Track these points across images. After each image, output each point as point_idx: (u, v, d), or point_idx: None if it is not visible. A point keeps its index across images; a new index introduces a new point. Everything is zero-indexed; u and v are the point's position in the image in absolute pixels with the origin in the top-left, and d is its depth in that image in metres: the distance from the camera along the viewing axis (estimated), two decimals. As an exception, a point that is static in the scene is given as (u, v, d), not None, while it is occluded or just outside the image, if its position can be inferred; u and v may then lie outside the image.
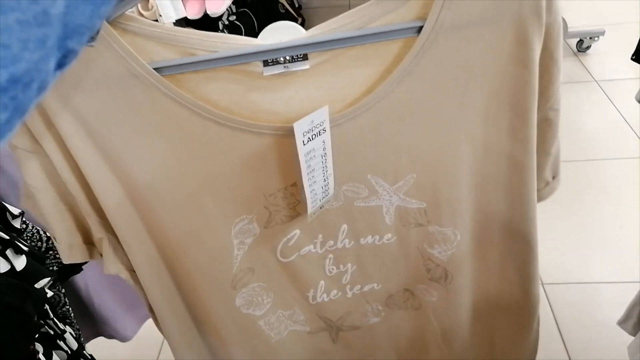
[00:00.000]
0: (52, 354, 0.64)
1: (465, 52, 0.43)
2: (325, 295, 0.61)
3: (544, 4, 0.41)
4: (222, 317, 0.60)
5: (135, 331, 0.95)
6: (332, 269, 0.59)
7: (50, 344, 0.66)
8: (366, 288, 0.61)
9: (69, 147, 0.46)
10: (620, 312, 0.81)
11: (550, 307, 1.25)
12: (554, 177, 0.56)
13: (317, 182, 0.48)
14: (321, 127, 0.45)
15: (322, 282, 0.60)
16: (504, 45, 0.43)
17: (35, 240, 0.71)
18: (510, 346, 0.67)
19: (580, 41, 2.19)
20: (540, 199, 0.55)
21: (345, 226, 0.55)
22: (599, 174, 1.58)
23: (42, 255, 0.64)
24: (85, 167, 0.47)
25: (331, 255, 0.58)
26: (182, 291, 0.58)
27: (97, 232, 0.53)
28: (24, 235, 0.70)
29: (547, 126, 0.51)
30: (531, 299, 0.61)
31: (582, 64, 2.13)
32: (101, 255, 0.55)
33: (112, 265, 0.55)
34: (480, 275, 0.60)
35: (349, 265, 0.59)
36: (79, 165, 0.47)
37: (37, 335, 0.62)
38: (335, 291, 0.61)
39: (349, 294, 0.62)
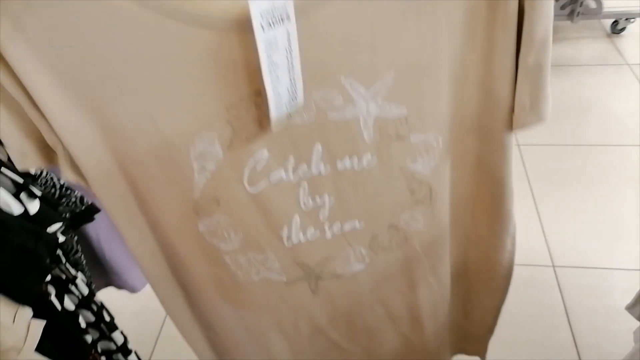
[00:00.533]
0: (64, 297, 0.66)
1: None
2: (301, 234, 0.56)
3: None
4: (184, 238, 0.56)
5: (144, 284, 0.97)
6: (307, 200, 0.53)
7: (63, 288, 0.68)
8: (347, 227, 0.57)
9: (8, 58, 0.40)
10: (630, 299, 0.80)
11: (560, 289, 1.24)
12: (531, 106, 0.50)
13: (282, 83, 0.42)
14: (283, 12, 0.38)
15: (296, 217, 0.55)
16: None
17: (49, 186, 0.72)
18: (485, 259, 0.66)
19: (615, 22, 2.11)
20: (512, 126, 0.52)
21: (319, 145, 0.50)
22: (624, 159, 1.54)
23: (55, 201, 0.65)
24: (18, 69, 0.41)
25: (305, 184, 0.52)
26: (142, 207, 0.53)
27: (50, 138, 0.46)
28: (39, 180, 0.71)
29: (529, 16, 0.45)
30: (504, 205, 0.59)
31: (616, 46, 2.06)
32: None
33: (70, 174, 0.49)
34: (458, 185, 0.58)
35: (326, 197, 0.54)
36: (10, 65, 0.41)
37: (49, 278, 0.64)
38: (312, 229, 0.56)
39: (328, 234, 0.57)
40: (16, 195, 0.59)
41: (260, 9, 0.37)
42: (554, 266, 1.29)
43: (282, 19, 0.38)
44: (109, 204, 0.52)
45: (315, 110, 0.47)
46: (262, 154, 0.49)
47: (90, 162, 0.47)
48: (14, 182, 0.60)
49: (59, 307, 0.63)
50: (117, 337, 0.77)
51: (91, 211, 0.76)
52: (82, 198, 0.76)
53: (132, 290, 0.97)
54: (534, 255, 1.32)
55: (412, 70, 0.46)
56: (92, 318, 0.73)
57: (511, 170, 0.56)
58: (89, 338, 0.69)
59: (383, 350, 0.75)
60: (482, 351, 0.83)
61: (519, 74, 0.48)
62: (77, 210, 0.75)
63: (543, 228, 1.38)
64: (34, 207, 0.60)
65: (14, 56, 0.40)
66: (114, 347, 0.77)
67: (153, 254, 0.58)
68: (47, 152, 0.49)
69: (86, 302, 0.71)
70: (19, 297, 0.54)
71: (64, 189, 0.74)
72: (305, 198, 0.53)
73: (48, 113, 0.43)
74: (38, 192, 0.61)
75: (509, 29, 0.45)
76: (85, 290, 0.71)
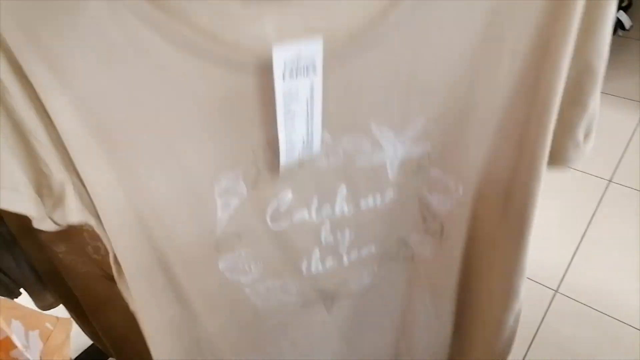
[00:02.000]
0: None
1: None
2: (320, 265, 0.56)
3: None
4: (204, 280, 0.53)
5: None
6: (329, 237, 0.53)
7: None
8: (364, 252, 0.57)
9: (25, 72, 0.35)
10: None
11: (546, 312, 1.29)
12: (586, 137, 0.48)
13: (297, 132, 0.41)
14: (310, 64, 0.36)
15: (316, 251, 0.54)
16: None
17: None
18: (484, 324, 0.64)
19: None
20: (564, 162, 0.49)
21: (344, 188, 0.49)
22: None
23: None
24: (44, 96, 0.37)
25: (328, 223, 0.52)
26: (157, 246, 0.49)
27: (59, 173, 0.41)
28: None
29: (587, 76, 0.44)
30: (512, 283, 0.58)
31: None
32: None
33: (78, 212, 0.43)
34: (472, 241, 0.56)
35: (347, 231, 0.53)
36: (37, 93, 0.36)
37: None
38: (331, 260, 0.56)
39: (346, 262, 0.57)
40: None
41: (285, 57, 0.35)
42: (556, 291, 1.34)
43: (307, 70, 0.37)
44: (123, 254, 0.47)
45: (343, 155, 0.46)
46: (286, 195, 0.49)
47: (107, 199, 0.43)
48: None
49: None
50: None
51: None
52: None
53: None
54: (546, 274, 1.36)
55: (442, 116, 0.46)
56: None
57: (527, 250, 0.54)
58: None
59: None
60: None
61: (571, 111, 0.46)
62: None
63: (575, 254, 1.42)
64: None
65: (41, 83, 0.36)
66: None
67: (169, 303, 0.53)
68: (40, 192, 0.42)
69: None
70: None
71: None
72: (326, 235, 0.53)
73: (70, 145, 0.39)
74: None
75: (557, 77, 0.42)
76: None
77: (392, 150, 0.47)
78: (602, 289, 1.33)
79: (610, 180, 1.64)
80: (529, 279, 1.34)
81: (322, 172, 0.48)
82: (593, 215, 1.54)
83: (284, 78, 0.36)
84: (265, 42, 0.37)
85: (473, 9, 0.39)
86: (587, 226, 1.51)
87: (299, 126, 0.41)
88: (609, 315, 1.27)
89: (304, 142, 0.43)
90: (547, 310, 1.30)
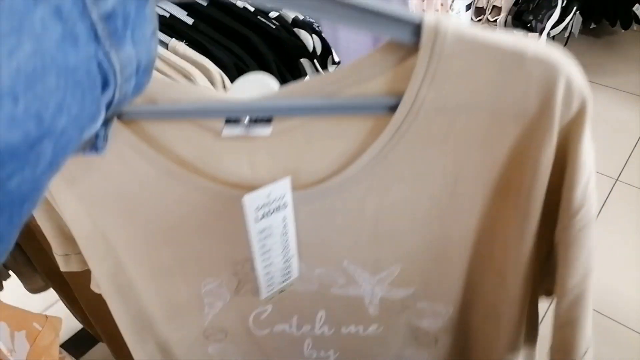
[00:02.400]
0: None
1: (451, 138, 0.36)
2: None
3: (559, 95, 0.33)
4: (195, 356, 0.57)
5: None
6: (312, 353, 0.54)
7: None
8: None
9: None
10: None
11: (545, 313, 1.26)
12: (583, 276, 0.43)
13: (275, 264, 0.43)
14: (281, 202, 0.38)
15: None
16: (501, 137, 0.36)
17: None
18: None
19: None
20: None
21: (323, 313, 0.50)
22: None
23: None
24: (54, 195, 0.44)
25: (310, 340, 0.53)
26: (152, 323, 0.54)
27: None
28: None
29: (563, 248, 0.40)
30: None
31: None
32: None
33: (95, 287, 0.52)
34: (468, 341, 0.55)
35: (331, 352, 0.54)
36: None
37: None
38: None
39: None
40: None
41: (256, 204, 0.37)
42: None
43: (278, 208, 0.39)
44: (121, 321, 0.52)
45: (318, 284, 0.47)
46: (266, 308, 0.51)
47: (109, 281, 0.49)
48: None
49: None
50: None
51: None
52: None
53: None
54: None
55: (419, 262, 0.45)
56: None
57: (520, 345, 0.50)
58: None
59: None
60: None
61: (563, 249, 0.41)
62: None
63: None
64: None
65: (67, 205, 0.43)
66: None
67: None
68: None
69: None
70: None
71: None
72: (309, 351, 0.54)
73: (75, 234, 0.46)
74: None
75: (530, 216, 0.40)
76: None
77: (370, 288, 0.48)
78: (604, 291, 1.31)
79: (617, 179, 1.61)
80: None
81: (299, 296, 0.49)
82: (598, 214, 1.51)
83: (256, 220, 0.39)
84: (240, 176, 0.40)
85: (431, 169, 0.39)
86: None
87: (276, 259, 0.43)
88: (611, 319, 1.25)
89: (282, 273, 0.45)
90: (546, 311, 1.28)
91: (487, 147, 0.37)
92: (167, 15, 0.64)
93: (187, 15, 0.65)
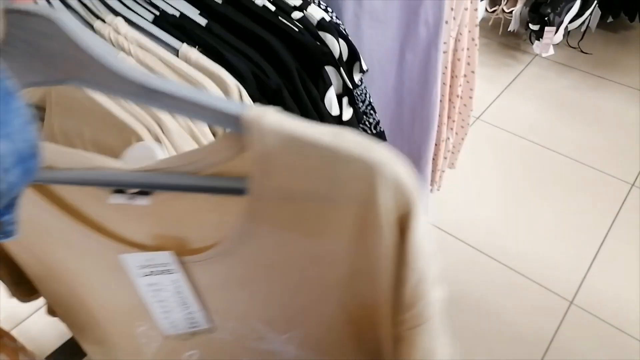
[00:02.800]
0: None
1: (294, 224, 0.38)
2: None
3: (379, 194, 0.33)
4: None
5: None
6: None
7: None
8: None
9: None
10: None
11: (560, 323, 1.24)
12: None
13: (175, 313, 0.46)
14: (165, 268, 0.42)
15: None
16: (336, 226, 0.36)
17: (359, 100, 0.71)
18: None
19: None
20: None
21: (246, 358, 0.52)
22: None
23: (360, 116, 0.67)
24: None
25: None
26: None
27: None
28: (355, 91, 0.69)
29: (395, 344, 0.41)
30: None
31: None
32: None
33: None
34: None
35: None
36: None
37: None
38: None
39: None
40: (340, 98, 0.62)
41: (135, 263, 0.42)
42: (571, 302, 1.28)
43: (163, 272, 0.42)
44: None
45: (234, 336, 0.49)
46: (193, 353, 0.53)
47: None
48: (344, 84, 0.61)
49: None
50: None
51: (380, 137, 0.75)
52: (377, 123, 0.74)
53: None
54: (562, 285, 1.30)
55: (315, 327, 0.46)
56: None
57: None
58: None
59: None
60: None
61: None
62: (368, 132, 0.74)
63: (590, 266, 1.35)
64: (348, 114, 0.63)
65: None
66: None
67: None
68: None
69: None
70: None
71: (369, 107, 0.73)
72: None
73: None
74: (355, 102, 0.64)
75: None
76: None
77: (280, 345, 0.49)
78: (619, 302, 1.27)
79: (632, 184, 1.56)
80: (543, 287, 1.29)
81: (222, 343, 0.50)
82: (613, 221, 1.46)
83: (143, 275, 0.43)
84: (133, 236, 0.43)
85: (283, 248, 0.40)
86: (607, 232, 1.43)
87: (175, 309, 0.46)
88: (626, 333, 1.21)
89: (188, 322, 0.48)
90: (561, 322, 1.24)
91: (322, 235, 0.37)
92: (177, 14, 0.56)
93: (200, 14, 0.57)
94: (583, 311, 1.26)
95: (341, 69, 0.61)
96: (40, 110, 0.52)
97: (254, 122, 0.32)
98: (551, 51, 1.83)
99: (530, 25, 1.83)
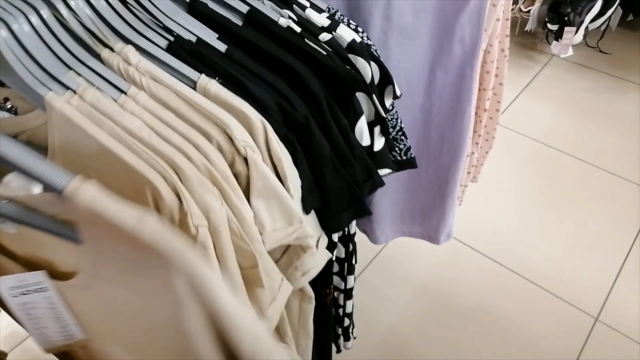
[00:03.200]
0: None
1: (123, 279, 0.42)
2: None
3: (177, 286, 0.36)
4: None
5: (388, 240, 1.05)
6: None
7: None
8: None
9: None
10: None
11: (586, 341, 1.18)
12: None
13: (49, 328, 0.49)
14: (38, 287, 0.45)
15: None
16: (157, 290, 0.39)
17: (390, 127, 0.68)
18: None
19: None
20: None
21: None
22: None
23: (391, 144, 0.65)
24: None
25: None
26: None
27: None
28: (386, 116, 0.65)
29: None
30: None
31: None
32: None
33: None
34: None
35: None
36: None
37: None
38: None
39: None
40: (371, 126, 0.58)
41: (9, 285, 0.44)
42: (596, 319, 1.23)
43: (37, 290, 0.45)
44: None
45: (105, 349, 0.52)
46: None
47: None
48: (377, 111, 0.58)
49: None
50: (350, 280, 0.78)
51: (410, 165, 0.73)
52: (408, 149, 0.72)
53: (374, 240, 1.04)
54: (586, 300, 1.25)
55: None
56: (342, 254, 0.74)
57: None
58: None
59: None
60: None
61: None
62: (398, 159, 0.72)
63: (616, 280, 1.29)
64: (379, 144, 0.60)
65: None
66: (342, 287, 0.79)
67: None
68: None
69: (347, 238, 0.72)
70: (327, 226, 0.55)
71: (400, 132, 0.71)
72: None
73: None
74: (387, 131, 0.61)
75: None
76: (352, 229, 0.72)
77: None
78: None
79: (658, 192, 1.50)
80: (566, 302, 1.22)
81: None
82: (639, 232, 1.40)
83: (13, 296, 0.46)
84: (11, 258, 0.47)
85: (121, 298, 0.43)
86: (632, 243, 1.37)
87: (49, 324, 0.49)
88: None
89: (61, 334, 0.50)
90: (586, 340, 1.19)
91: (145, 293, 0.40)
92: (194, 39, 0.50)
93: (218, 38, 0.51)
94: (609, 329, 1.20)
95: (373, 95, 0.55)
96: (43, 151, 0.46)
97: (72, 195, 0.36)
98: (570, 52, 1.77)
99: (549, 25, 1.76)
